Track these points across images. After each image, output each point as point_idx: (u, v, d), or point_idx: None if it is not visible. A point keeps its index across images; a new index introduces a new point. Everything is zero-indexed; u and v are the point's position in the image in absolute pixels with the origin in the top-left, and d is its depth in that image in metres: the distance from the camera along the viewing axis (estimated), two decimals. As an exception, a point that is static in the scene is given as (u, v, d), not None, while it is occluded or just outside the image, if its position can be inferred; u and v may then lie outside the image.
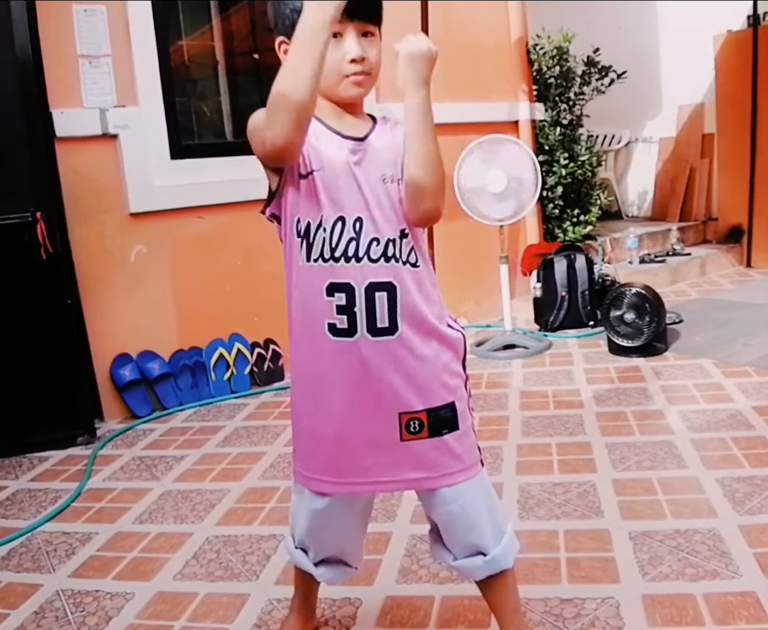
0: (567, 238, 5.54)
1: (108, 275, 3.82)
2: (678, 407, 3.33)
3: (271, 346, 4.22)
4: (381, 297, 1.42)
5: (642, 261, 6.06)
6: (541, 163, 5.15)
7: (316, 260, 1.43)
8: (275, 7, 1.47)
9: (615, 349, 4.19)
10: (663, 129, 7.48)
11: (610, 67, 5.66)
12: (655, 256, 6.17)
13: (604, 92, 5.80)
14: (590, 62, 5.63)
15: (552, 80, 5.50)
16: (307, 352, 1.51)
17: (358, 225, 1.41)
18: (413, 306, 1.45)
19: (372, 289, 1.42)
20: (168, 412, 3.90)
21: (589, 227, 5.74)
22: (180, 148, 3.99)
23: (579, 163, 5.52)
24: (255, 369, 4.13)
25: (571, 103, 5.64)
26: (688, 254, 6.38)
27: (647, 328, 4.06)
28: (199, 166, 4.04)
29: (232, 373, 4.06)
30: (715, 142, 6.90)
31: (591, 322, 4.79)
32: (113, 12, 3.76)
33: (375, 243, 1.42)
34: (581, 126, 5.81)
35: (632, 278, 5.36)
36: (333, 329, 1.43)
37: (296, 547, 1.73)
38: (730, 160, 6.66)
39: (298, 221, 1.43)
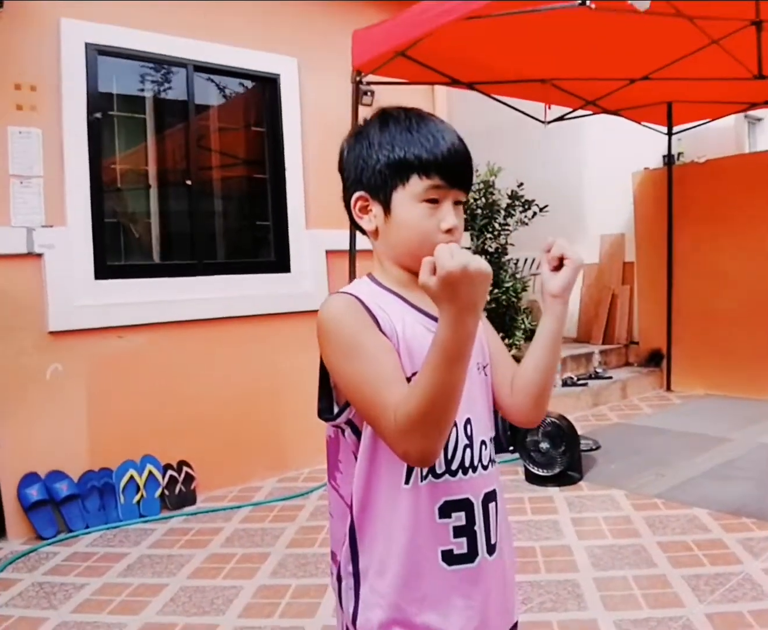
0: (491, 362, 5.66)
1: (21, 392, 3.76)
2: (586, 542, 3.38)
3: (185, 468, 4.16)
4: (493, 507, 1.21)
5: (565, 384, 6.22)
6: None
7: (425, 478, 1.15)
8: (360, 155, 1.22)
9: (531, 478, 4.25)
10: (587, 255, 7.82)
11: (533, 200, 5.98)
12: (578, 379, 6.35)
13: (527, 224, 6.09)
14: (514, 196, 5.93)
15: (479, 211, 5.77)
16: (408, 594, 1.16)
17: (469, 428, 1.19)
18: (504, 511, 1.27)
19: (486, 500, 1.20)
20: (73, 534, 3.78)
21: (514, 349, 5.90)
22: (104, 269, 4.03)
23: (503, 289, 5.73)
24: (166, 492, 4.05)
25: (496, 232, 5.90)
26: (610, 377, 6.60)
27: (561, 458, 4.15)
28: (123, 287, 4.08)
29: (142, 496, 3.97)
30: (635, 270, 7.26)
31: (511, 448, 4.85)
32: (49, 133, 3.86)
33: (483, 446, 1.21)
34: (506, 254, 6.06)
35: (555, 402, 5.50)
36: (449, 557, 1.16)
37: None
38: (650, 288, 7.01)
39: None
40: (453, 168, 1.17)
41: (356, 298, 1.17)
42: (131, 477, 3.95)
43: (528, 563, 3.18)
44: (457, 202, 1.21)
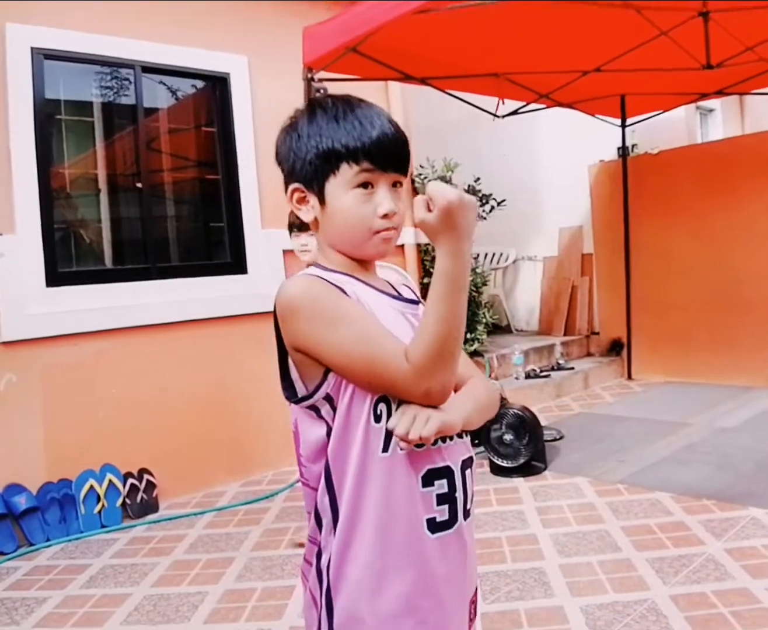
0: (454, 356, 5.69)
1: (-27, 405, 3.66)
2: (551, 530, 3.40)
3: (146, 476, 4.09)
4: (469, 474, 1.23)
5: (528, 376, 6.27)
6: (427, 286, 5.32)
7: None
8: (291, 148, 1.24)
9: (496, 470, 4.27)
10: (546, 248, 7.92)
11: (490, 195, 6.02)
12: (541, 371, 6.40)
13: (485, 218, 6.13)
14: (471, 191, 5.95)
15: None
16: (392, 561, 1.16)
17: None
18: None
19: (464, 467, 1.22)
20: (34, 548, 3.69)
21: (477, 344, 5.92)
22: (56, 276, 3.94)
23: (464, 284, 5.74)
24: (127, 501, 3.98)
25: (455, 227, 5.91)
26: (572, 368, 6.66)
27: (525, 449, 4.18)
28: (76, 293, 3.99)
29: (103, 505, 3.90)
30: (593, 262, 7.34)
31: (476, 441, 4.87)
32: (-3, 142, 3.77)
33: None
34: (466, 248, 6.08)
35: (518, 394, 5.54)
36: (432, 525, 1.17)
37: None
38: (608, 279, 7.10)
39: (377, 403, 1.15)
40: (383, 151, 1.19)
41: (315, 276, 1.19)
42: (91, 487, 3.87)
43: (494, 553, 3.18)
44: (395, 184, 1.23)
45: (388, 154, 1.20)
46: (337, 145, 1.18)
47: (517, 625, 2.56)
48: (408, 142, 1.24)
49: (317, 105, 1.24)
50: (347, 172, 1.18)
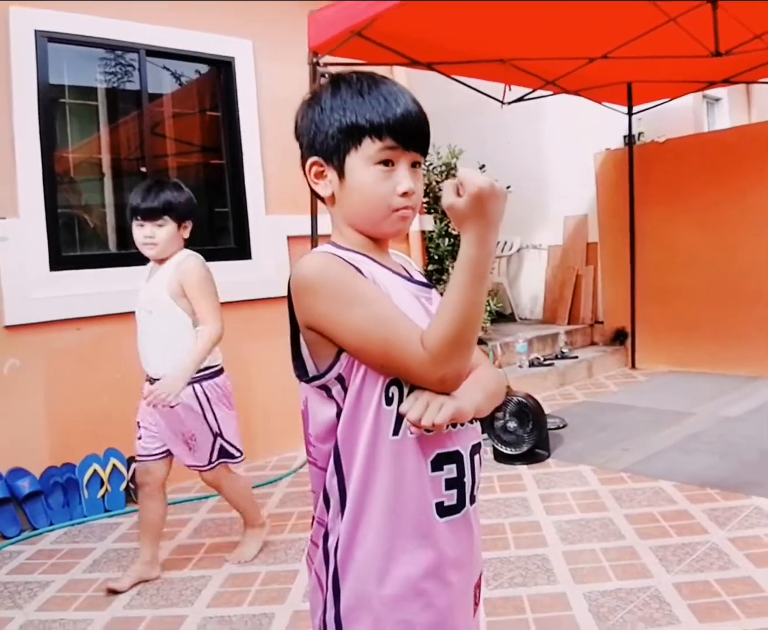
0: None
1: (-23, 389, 3.66)
2: (554, 517, 3.40)
3: (150, 461, 4.09)
4: (477, 459, 1.23)
5: (531, 364, 6.26)
6: (431, 273, 5.31)
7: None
8: (313, 120, 1.23)
9: (500, 457, 4.27)
10: (551, 237, 7.89)
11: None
12: (544, 360, 6.40)
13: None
14: (476, 177, 5.92)
15: (441, 193, 5.75)
16: (401, 544, 1.16)
17: None
18: None
19: (473, 452, 1.22)
20: (37, 532, 3.70)
21: (480, 332, 5.91)
22: (60, 260, 3.93)
23: (468, 271, 5.72)
24: (131, 485, 3.97)
25: (459, 214, 5.90)
26: (576, 357, 6.65)
27: (528, 437, 4.18)
28: (79, 278, 3.98)
29: (107, 490, 3.90)
30: (598, 251, 7.31)
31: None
32: None
33: None
34: (470, 236, 6.06)
35: (522, 383, 5.53)
36: (440, 509, 1.17)
37: None
38: (613, 267, 7.07)
39: (388, 386, 1.14)
40: (406, 129, 1.19)
41: (332, 254, 1.18)
42: (95, 471, 3.88)
43: (498, 540, 3.18)
44: (414, 164, 1.22)
45: (411, 133, 1.20)
46: (361, 119, 1.17)
47: (520, 611, 2.56)
48: (429, 123, 1.23)
49: (341, 79, 1.23)
50: (369, 148, 1.18)
